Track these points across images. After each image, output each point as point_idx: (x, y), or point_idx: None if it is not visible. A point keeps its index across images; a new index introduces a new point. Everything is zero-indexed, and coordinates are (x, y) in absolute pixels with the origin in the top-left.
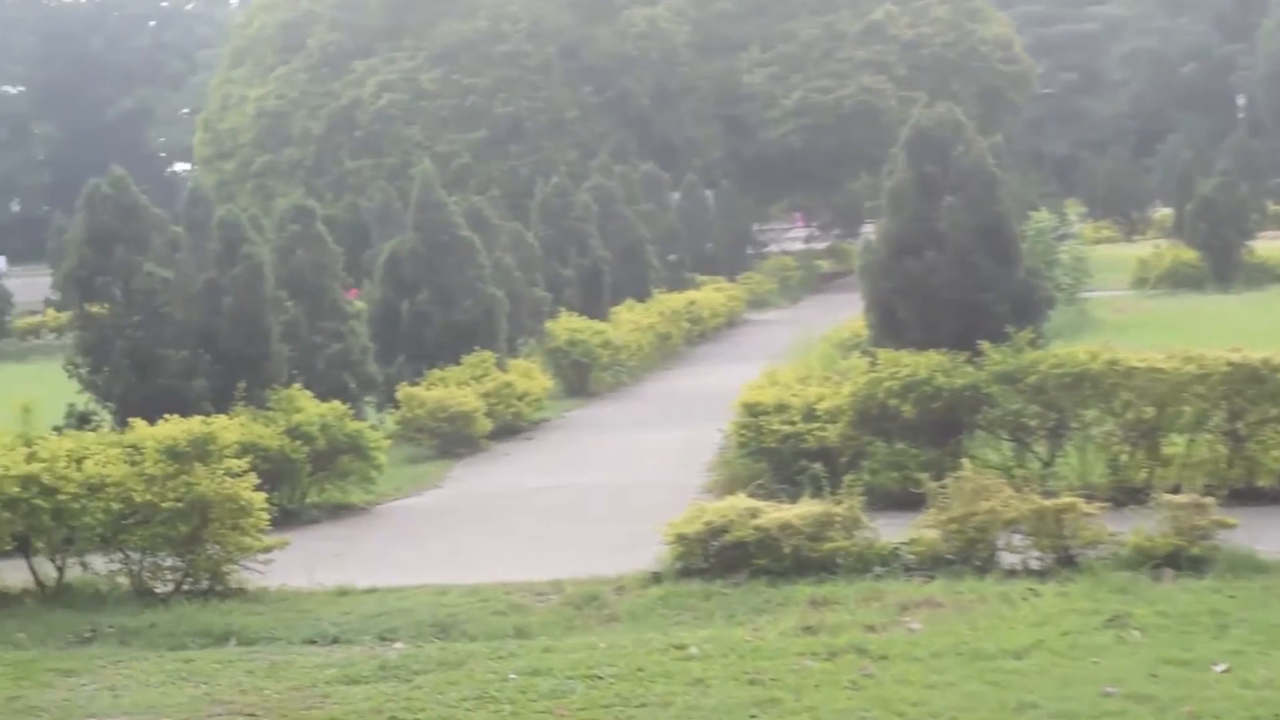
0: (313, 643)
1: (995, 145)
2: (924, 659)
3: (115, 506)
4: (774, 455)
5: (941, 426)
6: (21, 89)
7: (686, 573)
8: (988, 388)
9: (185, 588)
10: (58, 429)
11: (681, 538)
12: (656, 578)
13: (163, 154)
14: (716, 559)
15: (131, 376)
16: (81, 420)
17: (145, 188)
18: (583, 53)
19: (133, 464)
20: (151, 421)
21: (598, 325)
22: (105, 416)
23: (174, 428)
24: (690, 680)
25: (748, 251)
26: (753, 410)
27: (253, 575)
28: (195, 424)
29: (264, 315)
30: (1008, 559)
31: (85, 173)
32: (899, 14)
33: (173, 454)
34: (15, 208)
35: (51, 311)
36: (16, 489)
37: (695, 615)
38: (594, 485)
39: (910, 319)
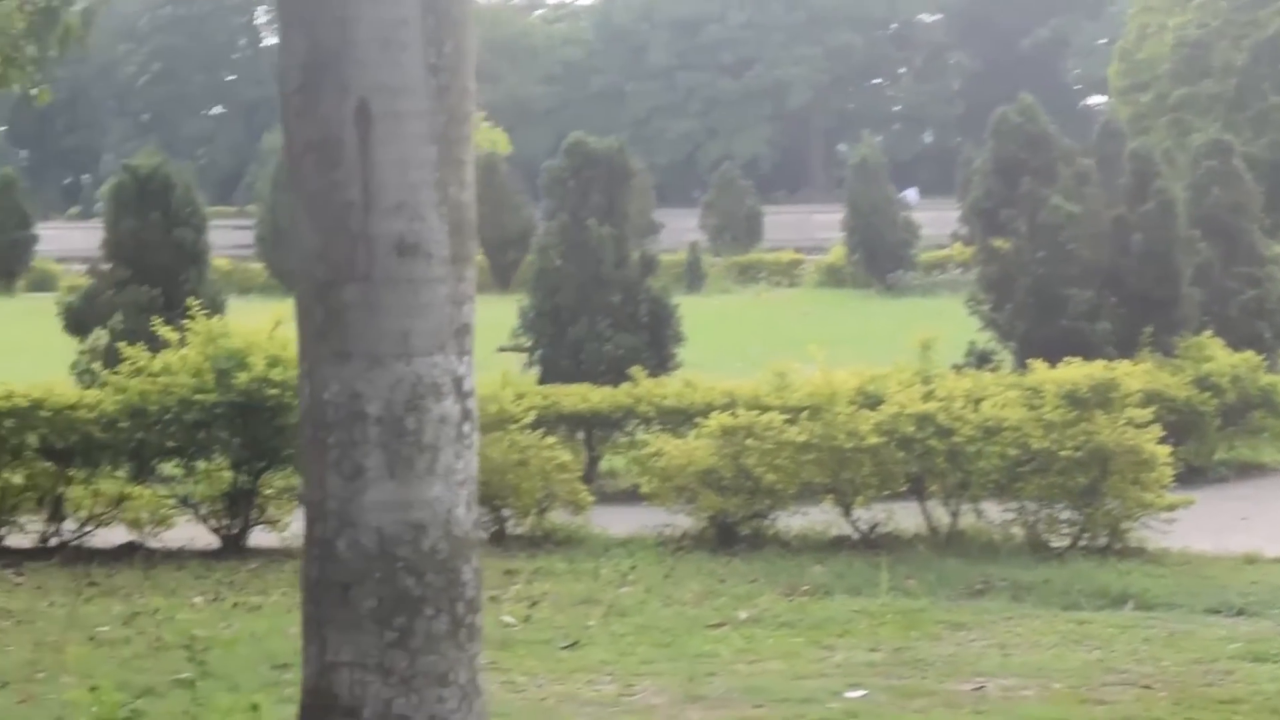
0: (1216, 613)
1: None
2: None
3: (1011, 452)
4: None
5: None
6: (939, 16)
7: None
8: None
9: (1081, 544)
10: (957, 367)
11: None
12: None
13: (1077, 86)
14: None
15: (1034, 315)
16: (981, 359)
17: (1056, 120)
18: None
19: (1031, 408)
20: (1051, 363)
21: None
22: (1006, 356)
23: (1075, 371)
24: None
25: None
26: None
27: (1153, 535)
28: (1098, 369)
29: (1175, 256)
30: None
31: (997, 104)
32: None
33: (1073, 400)
34: (927, 139)
35: (958, 245)
36: (912, 428)
37: None
38: None
39: None
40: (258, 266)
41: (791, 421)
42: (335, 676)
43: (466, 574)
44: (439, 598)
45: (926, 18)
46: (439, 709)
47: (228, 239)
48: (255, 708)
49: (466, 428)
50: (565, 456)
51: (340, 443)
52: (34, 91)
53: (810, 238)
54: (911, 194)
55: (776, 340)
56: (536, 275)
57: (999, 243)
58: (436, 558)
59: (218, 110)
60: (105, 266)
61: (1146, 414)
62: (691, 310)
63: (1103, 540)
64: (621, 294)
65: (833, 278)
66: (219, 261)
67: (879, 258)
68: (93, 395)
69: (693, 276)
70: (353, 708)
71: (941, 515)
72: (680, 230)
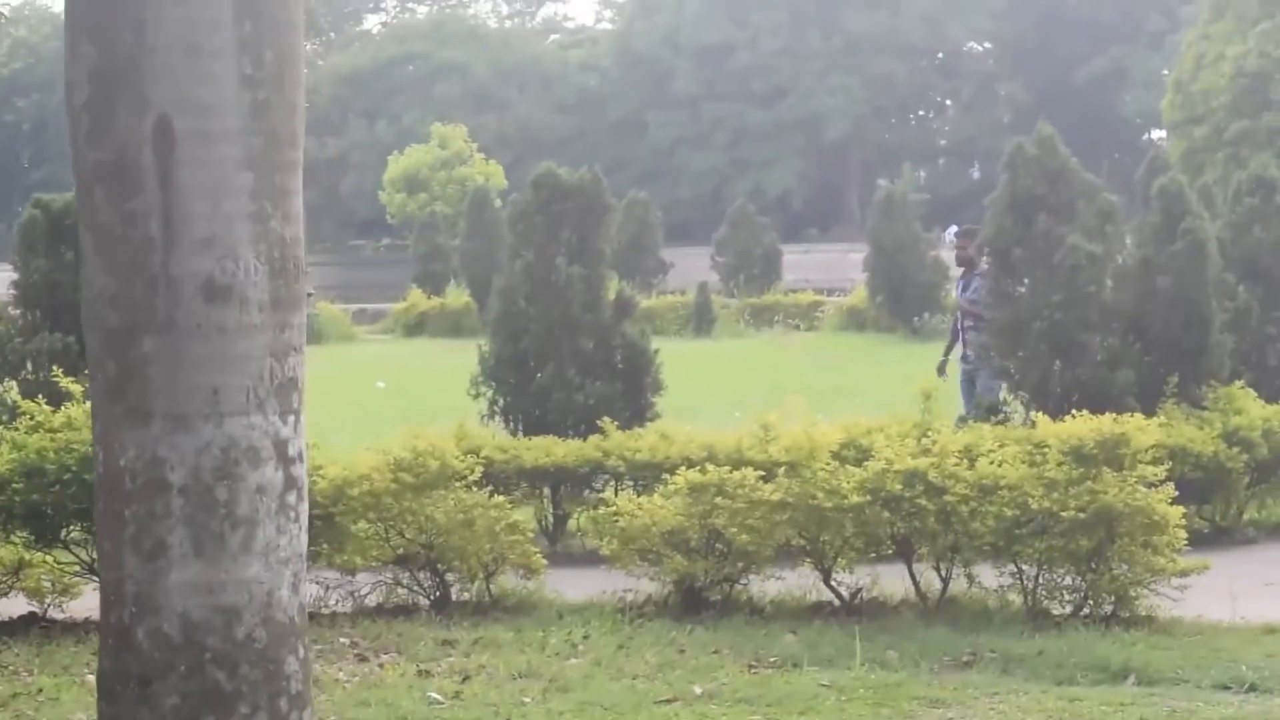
0: (1226, 689)
1: None
2: None
3: (1009, 513)
4: None
5: None
6: (989, 45)
7: None
8: None
9: (1084, 612)
10: (963, 419)
11: None
12: None
13: (1138, 119)
14: None
15: (1047, 364)
16: (989, 411)
17: (1115, 156)
18: None
19: (1032, 465)
20: (1061, 416)
21: None
22: (1017, 407)
23: (1081, 425)
24: None
25: None
26: None
27: (1164, 602)
28: (1106, 423)
29: (1205, 301)
30: None
31: None
32: None
33: (1078, 456)
34: (975, 174)
35: None
36: (899, 486)
37: None
38: None
39: None
40: None
41: (768, 478)
42: None
43: (291, 665)
44: (256, 693)
45: (975, 46)
46: None
47: None
48: None
49: (292, 498)
50: (516, 516)
51: (138, 516)
52: None
53: (844, 278)
54: (951, 232)
55: (785, 388)
56: (498, 319)
57: (1010, 285)
58: (253, 647)
59: None
60: (14, 312)
61: (1159, 472)
62: (696, 355)
63: (1108, 608)
64: (593, 339)
65: (854, 321)
66: None
67: (905, 300)
68: None
69: (701, 319)
70: None
71: (932, 580)
72: (698, 270)
